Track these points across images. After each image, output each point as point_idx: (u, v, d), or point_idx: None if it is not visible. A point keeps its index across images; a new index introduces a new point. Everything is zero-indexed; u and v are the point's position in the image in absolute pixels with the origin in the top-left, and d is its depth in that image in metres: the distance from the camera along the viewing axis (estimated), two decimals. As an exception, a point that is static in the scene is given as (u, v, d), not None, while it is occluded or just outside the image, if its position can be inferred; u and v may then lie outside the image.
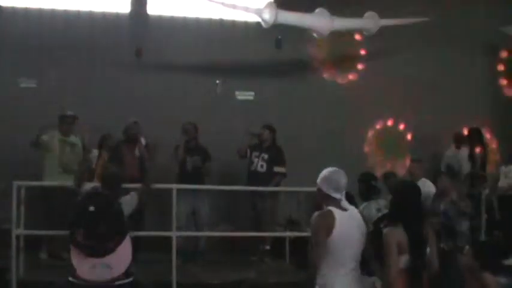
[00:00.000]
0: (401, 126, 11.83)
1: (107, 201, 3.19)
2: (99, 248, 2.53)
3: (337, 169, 4.75)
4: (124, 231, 2.56)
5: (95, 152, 8.91)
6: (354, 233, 4.59)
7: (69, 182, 8.08)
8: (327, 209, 4.61)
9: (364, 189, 7.46)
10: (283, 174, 9.37)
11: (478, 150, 10.53)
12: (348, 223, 4.57)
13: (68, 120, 8.82)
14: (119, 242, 2.58)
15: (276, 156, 9.36)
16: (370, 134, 11.72)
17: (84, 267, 2.52)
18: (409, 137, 11.85)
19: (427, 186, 8.18)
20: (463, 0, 11.56)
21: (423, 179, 8.52)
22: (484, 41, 11.97)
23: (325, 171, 4.76)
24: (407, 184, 5.43)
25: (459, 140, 10.81)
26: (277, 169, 9.31)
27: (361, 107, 11.21)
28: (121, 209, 2.46)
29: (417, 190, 4.98)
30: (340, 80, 11.63)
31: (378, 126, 11.78)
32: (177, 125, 9.30)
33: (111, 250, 2.55)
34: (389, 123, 11.79)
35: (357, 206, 5.06)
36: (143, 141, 9.00)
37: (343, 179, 4.68)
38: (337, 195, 4.62)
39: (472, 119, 11.17)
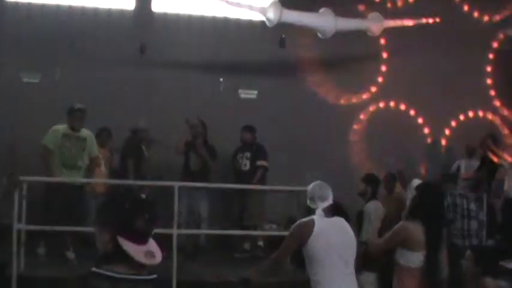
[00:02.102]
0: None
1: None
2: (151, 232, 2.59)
3: (320, 182, 5.08)
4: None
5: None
6: (336, 238, 4.81)
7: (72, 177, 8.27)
8: (309, 217, 4.88)
9: (371, 189, 7.61)
10: (265, 168, 9.50)
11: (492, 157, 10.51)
12: (330, 229, 4.82)
13: (78, 114, 8.53)
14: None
15: (257, 152, 9.50)
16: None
17: (141, 253, 2.53)
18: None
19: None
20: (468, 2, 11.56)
21: (414, 180, 8.58)
22: (489, 41, 11.96)
23: (311, 185, 5.08)
24: (428, 184, 5.58)
25: (471, 151, 10.85)
26: (259, 163, 9.45)
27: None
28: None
29: (438, 191, 5.09)
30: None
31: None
32: (180, 122, 9.30)
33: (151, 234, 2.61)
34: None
35: (347, 215, 5.23)
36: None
37: (326, 190, 4.99)
38: (322, 205, 4.89)
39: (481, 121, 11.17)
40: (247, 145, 9.64)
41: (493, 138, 10.54)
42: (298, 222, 4.94)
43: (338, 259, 4.73)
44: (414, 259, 4.78)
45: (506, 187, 9.63)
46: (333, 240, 4.78)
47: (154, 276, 2.63)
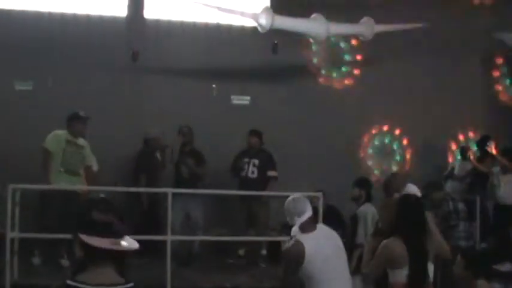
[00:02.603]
0: (397, 131, 11.84)
1: None
2: (117, 224, 2.58)
3: (294, 197, 5.05)
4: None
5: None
6: (327, 251, 4.79)
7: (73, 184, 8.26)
8: (295, 240, 4.82)
9: (365, 193, 7.65)
10: (276, 178, 9.41)
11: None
12: (319, 244, 4.79)
13: (82, 121, 8.60)
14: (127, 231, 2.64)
15: (268, 161, 9.39)
16: (366, 139, 11.73)
17: (106, 244, 2.54)
18: (405, 141, 11.86)
19: (409, 189, 8.37)
20: (459, 6, 11.60)
21: (408, 184, 8.61)
22: (479, 47, 12.00)
23: (286, 202, 5.06)
24: (407, 197, 5.33)
25: (465, 152, 10.92)
26: (270, 173, 9.33)
27: (357, 113, 11.25)
28: None
29: (418, 203, 4.99)
30: (337, 84, 11.64)
31: (373, 131, 11.78)
32: (172, 128, 9.32)
33: (125, 232, 2.60)
34: (385, 128, 11.80)
35: (341, 217, 5.22)
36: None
37: (302, 203, 4.95)
38: (301, 219, 4.86)
39: (468, 126, 11.22)
40: (254, 150, 9.47)
41: (487, 139, 10.61)
42: (287, 250, 4.88)
43: (333, 271, 4.71)
44: (400, 276, 4.66)
45: (501, 192, 9.68)
46: (324, 255, 4.75)
47: (131, 284, 2.63)
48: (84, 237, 2.52)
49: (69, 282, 2.55)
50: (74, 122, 8.53)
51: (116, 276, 2.60)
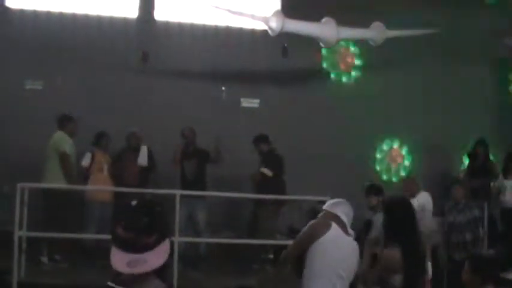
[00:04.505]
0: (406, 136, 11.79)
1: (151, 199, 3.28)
2: (138, 242, 2.53)
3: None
4: (164, 232, 2.58)
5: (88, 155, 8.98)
6: (337, 255, 4.61)
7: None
8: (328, 221, 4.67)
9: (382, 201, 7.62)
10: (270, 177, 9.31)
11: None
12: (338, 242, 4.62)
13: (74, 121, 8.78)
14: (158, 241, 2.57)
15: (275, 164, 9.37)
16: (375, 143, 11.69)
17: (122, 262, 2.51)
18: (413, 146, 11.81)
19: (422, 198, 8.34)
20: (469, 11, 11.57)
21: (422, 193, 8.60)
22: (489, 52, 11.97)
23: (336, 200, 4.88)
24: (395, 201, 5.30)
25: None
26: (263, 170, 9.29)
27: (367, 117, 11.21)
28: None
29: (406, 205, 4.93)
30: (346, 88, 11.63)
31: (382, 135, 11.74)
32: (181, 130, 9.32)
33: (150, 246, 2.54)
34: (394, 132, 11.75)
35: None
36: (145, 149, 9.11)
37: (351, 212, 4.80)
38: (344, 218, 4.69)
39: (478, 131, 11.15)
40: (264, 156, 9.42)
41: (482, 144, 10.49)
42: (315, 221, 4.73)
43: (331, 273, 4.61)
44: (397, 282, 4.64)
45: (507, 197, 9.62)
46: (334, 255, 4.61)
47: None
48: (112, 250, 2.53)
49: (110, 284, 2.56)
50: (67, 123, 8.69)
51: (155, 280, 2.59)
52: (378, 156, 11.78)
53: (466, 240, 8.57)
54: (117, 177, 9.02)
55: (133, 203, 2.60)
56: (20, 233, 7.29)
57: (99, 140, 9.12)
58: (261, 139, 9.47)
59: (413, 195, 8.23)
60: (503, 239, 9.11)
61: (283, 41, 10.32)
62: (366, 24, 10.47)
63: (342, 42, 11.14)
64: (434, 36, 10.80)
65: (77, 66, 10.17)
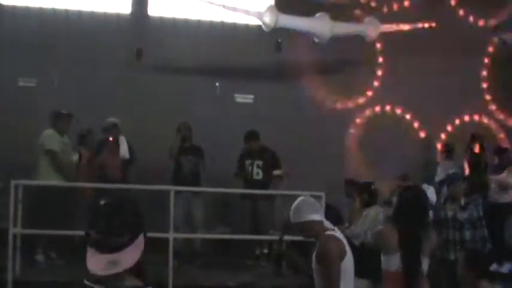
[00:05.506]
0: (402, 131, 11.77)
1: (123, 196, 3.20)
2: (110, 243, 2.50)
3: (302, 198, 4.97)
4: (137, 229, 2.53)
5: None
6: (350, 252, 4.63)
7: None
8: (329, 234, 4.64)
9: (367, 197, 7.79)
10: (281, 177, 9.37)
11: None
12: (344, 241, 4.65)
13: (68, 119, 8.71)
14: (131, 239, 2.54)
15: (272, 160, 9.36)
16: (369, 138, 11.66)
17: (98, 265, 2.49)
18: (409, 141, 11.78)
19: (429, 193, 8.31)
20: (463, 7, 11.59)
21: (424, 185, 8.60)
22: (483, 47, 11.99)
23: (295, 206, 4.95)
24: (409, 188, 5.37)
25: (449, 151, 10.70)
26: (276, 172, 9.31)
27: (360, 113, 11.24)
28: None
29: (419, 194, 4.98)
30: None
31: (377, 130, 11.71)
32: (176, 126, 9.30)
33: (124, 246, 2.51)
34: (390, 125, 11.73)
35: (342, 219, 5.13)
36: (124, 140, 9.02)
37: (313, 201, 4.87)
38: (318, 217, 4.74)
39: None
40: (256, 152, 9.38)
41: (477, 139, 10.47)
42: (328, 249, 4.58)
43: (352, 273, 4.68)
44: (391, 263, 4.66)
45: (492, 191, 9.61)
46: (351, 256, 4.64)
47: None
48: (88, 251, 2.52)
49: (85, 282, 2.55)
50: (59, 120, 8.63)
51: (133, 279, 2.58)
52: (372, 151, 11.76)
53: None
54: (99, 170, 8.88)
55: (102, 202, 2.56)
56: (14, 230, 7.27)
57: (84, 138, 9.13)
58: (251, 136, 9.43)
59: None
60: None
61: (277, 37, 10.31)
62: (359, 20, 10.49)
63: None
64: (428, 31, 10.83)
65: (71, 62, 10.14)
